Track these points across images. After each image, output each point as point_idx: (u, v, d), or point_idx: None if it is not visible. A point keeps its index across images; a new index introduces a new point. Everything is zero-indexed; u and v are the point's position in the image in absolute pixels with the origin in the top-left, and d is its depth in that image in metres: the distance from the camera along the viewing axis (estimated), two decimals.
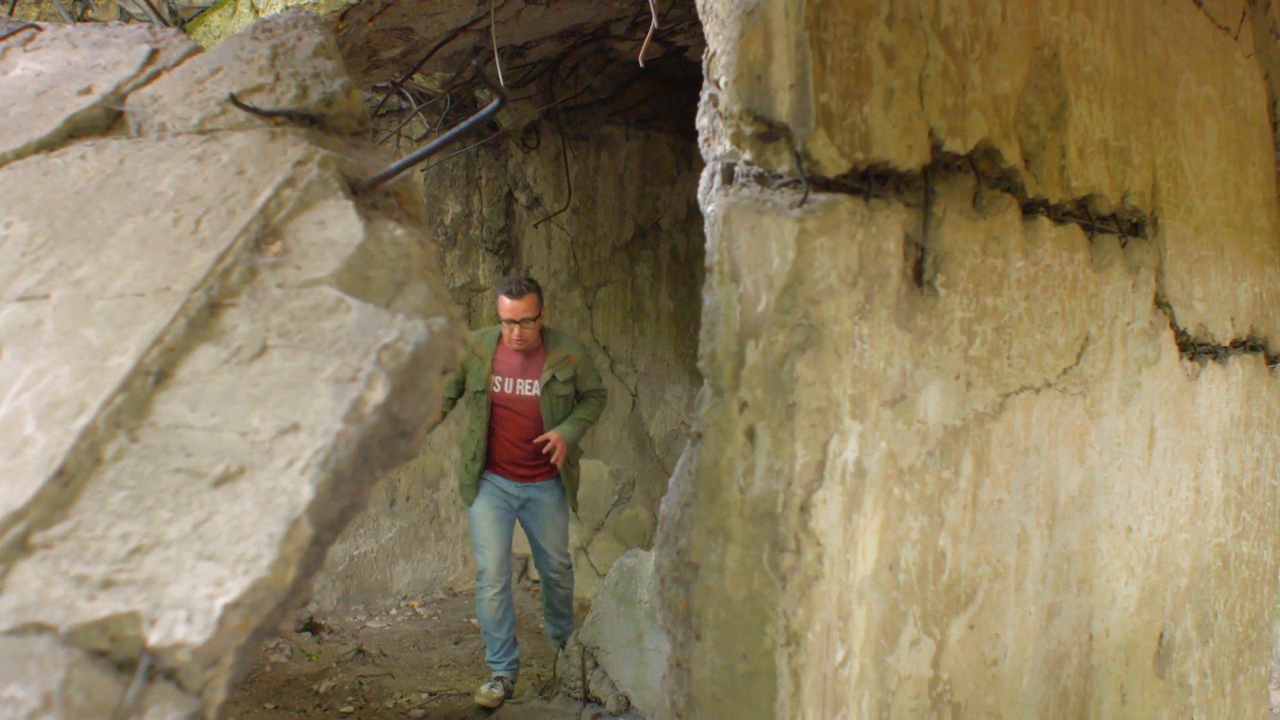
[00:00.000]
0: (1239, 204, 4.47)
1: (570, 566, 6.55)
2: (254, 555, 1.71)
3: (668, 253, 9.05)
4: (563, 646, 6.20)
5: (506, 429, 6.25)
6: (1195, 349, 4.12)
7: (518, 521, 6.46)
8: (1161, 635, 4.03)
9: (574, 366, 6.26)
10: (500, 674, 6.26)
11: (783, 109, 2.52)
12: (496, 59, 2.85)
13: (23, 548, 1.76)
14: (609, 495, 8.68)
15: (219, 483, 1.83)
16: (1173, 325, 3.95)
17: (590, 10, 6.35)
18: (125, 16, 7.25)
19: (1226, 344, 4.33)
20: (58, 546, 1.77)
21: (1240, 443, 4.50)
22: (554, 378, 6.20)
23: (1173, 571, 4.07)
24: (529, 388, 6.21)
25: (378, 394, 1.90)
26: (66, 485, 1.84)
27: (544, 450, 6.14)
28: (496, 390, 6.20)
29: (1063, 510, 3.39)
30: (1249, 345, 4.52)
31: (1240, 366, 4.44)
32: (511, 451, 6.27)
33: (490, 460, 6.28)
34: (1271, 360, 4.73)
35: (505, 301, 6.00)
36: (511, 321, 6.02)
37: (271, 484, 1.80)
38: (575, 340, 6.45)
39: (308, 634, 6.90)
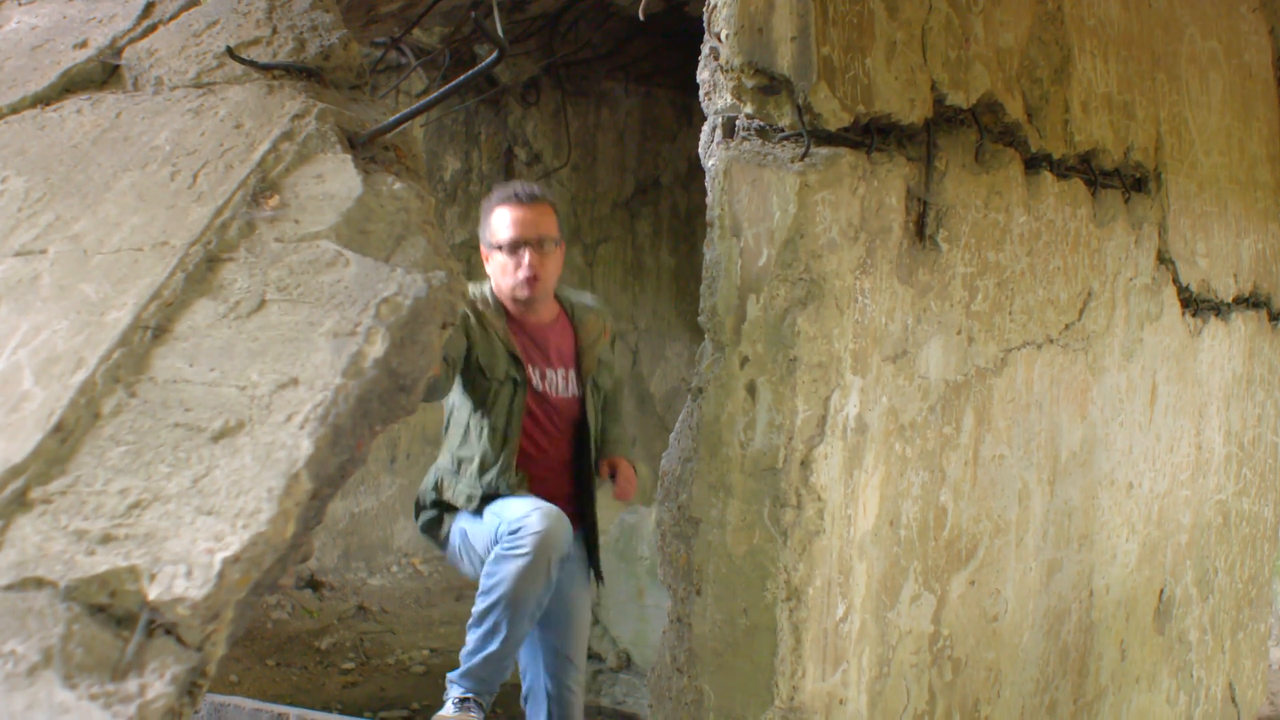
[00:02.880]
0: (1243, 159, 4.45)
1: (583, 672, 4.08)
2: (253, 510, 1.71)
3: (668, 209, 9.02)
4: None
5: (534, 447, 3.84)
6: (1198, 305, 4.11)
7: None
8: (1161, 591, 4.04)
9: (608, 342, 4.04)
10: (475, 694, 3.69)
11: (784, 62, 2.50)
12: (495, 13, 2.83)
13: (21, 503, 1.76)
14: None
15: (218, 438, 1.82)
16: (1175, 281, 3.94)
17: None
18: None
19: (1229, 300, 4.32)
20: (56, 501, 1.76)
21: (1242, 399, 4.50)
22: (600, 361, 3.94)
23: (1173, 528, 4.07)
24: (565, 385, 3.87)
25: (377, 348, 1.89)
26: (65, 440, 1.84)
27: (613, 478, 3.96)
28: (537, 387, 3.81)
29: (1064, 466, 3.39)
30: (1251, 302, 4.52)
31: (1242, 323, 4.43)
32: (543, 485, 3.81)
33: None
34: (1274, 317, 4.73)
35: (509, 213, 3.66)
36: (521, 243, 3.62)
37: (270, 439, 1.80)
38: (600, 302, 4.19)
39: (309, 591, 6.92)
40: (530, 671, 3.95)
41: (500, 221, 3.68)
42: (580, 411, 3.86)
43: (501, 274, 3.72)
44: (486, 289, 3.83)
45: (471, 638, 3.59)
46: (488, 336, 3.70)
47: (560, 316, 3.92)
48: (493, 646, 3.57)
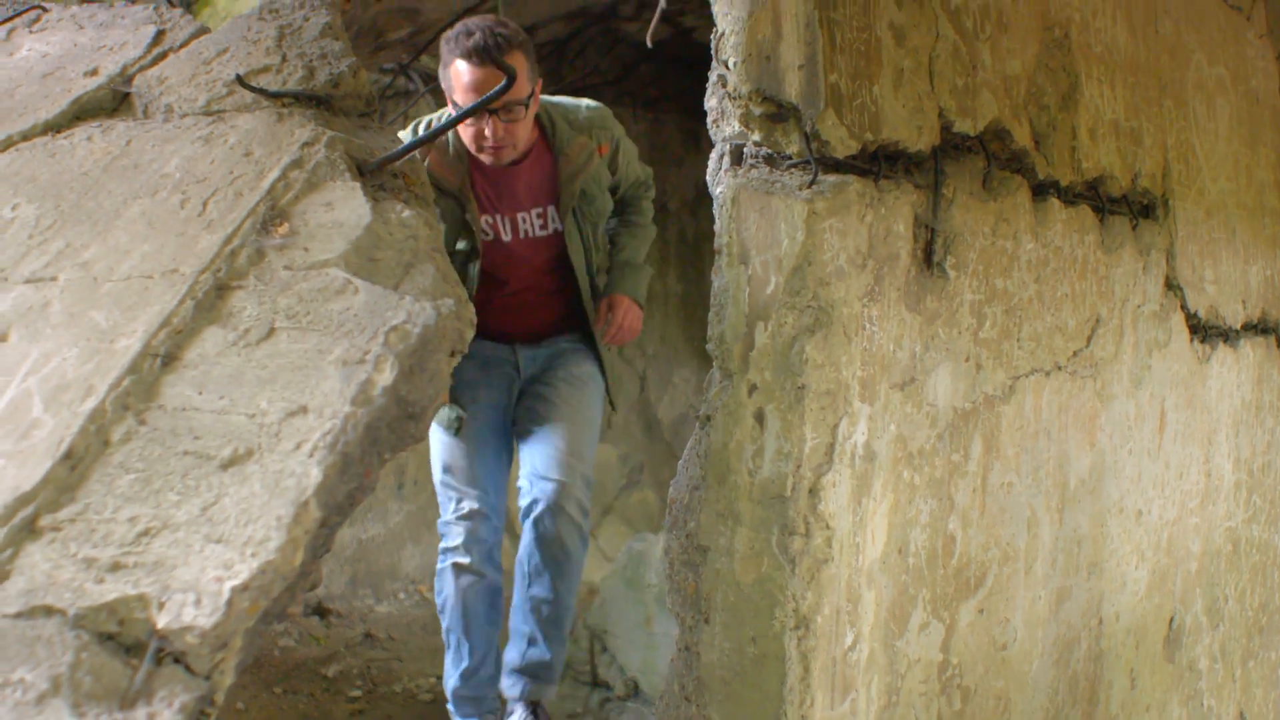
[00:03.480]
0: (1250, 186, 4.45)
1: (586, 514, 3.51)
2: (262, 538, 1.71)
3: (676, 235, 9.02)
4: (533, 712, 3.60)
5: (507, 284, 3.54)
6: (1206, 332, 4.10)
7: (515, 426, 3.66)
8: (1171, 620, 4.03)
9: (606, 158, 3.53)
10: (477, 716, 3.60)
11: (792, 89, 2.50)
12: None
13: (31, 530, 1.76)
14: (617, 479, 8.67)
15: (227, 465, 1.82)
16: (1183, 308, 3.93)
17: None
18: None
19: (1237, 327, 4.32)
20: (66, 529, 1.77)
21: (1251, 426, 4.49)
22: (584, 193, 3.48)
23: (1183, 555, 4.06)
24: (542, 224, 3.48)
25: (385, 376, 1.89)
26: (74, 468, 1.84)
27: (605, 323, 3.56)
28: (488, 239, 3.45)
29: (1073, 494, 3.38)
30: (1260, 328, 4.51)
31: (1251, 350, 4.42)
32: (516, 315, 3.59)
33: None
34: None
35: (465, 71, 3.13)
36: (482, 109, 3.09)
37: (279, 466, 1.80)
38: (596, 112, 3.57)
39: (316, 618, 6.91)
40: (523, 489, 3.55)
41: (457, 80, 3.15)
42: (562, 249, 3.51)
43: (464, 134, 3.28)
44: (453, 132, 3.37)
45: (446, 662, 3.59)
46: (439, 193, 3.27)
47: (538, 145, 3.44)
48: (464, 662, 3.52)
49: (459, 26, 3.18)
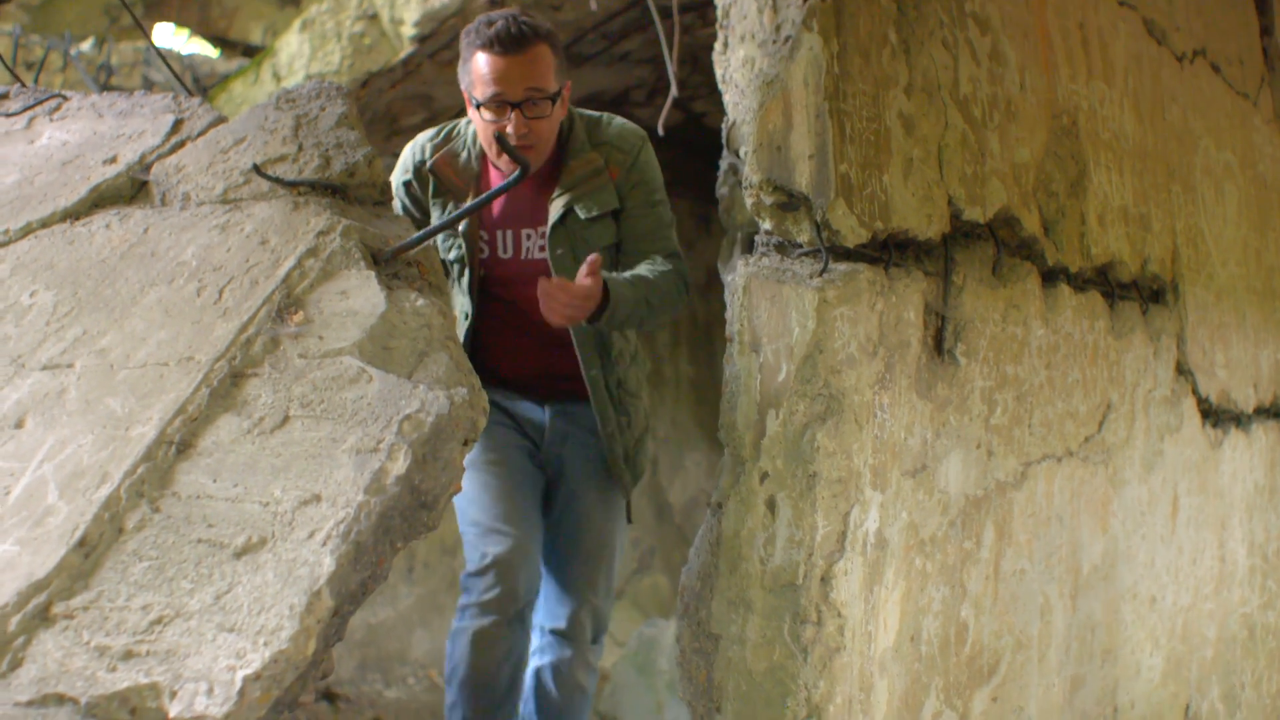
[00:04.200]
0: (1260, 270, 4.47)
1: (595, 671, 3.28)
2: (275, 627, 1.71)
3: (687, 318, 9.05)
4: None
5: (505, 315, 3.16)
6: (1218, 416, 4.10)
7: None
8: (1187, 707, 3.99)
9: (615, 183, 3.04)
10: None
11: (802, 179, 2.53)
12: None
13: (44, 618, 1.77)
14: (628, 563, 8.63)
15: (240, 554, 1.83)
16: (1195, 392, 3.93)
17: (611, 77, 6.41)
18: (149, 84, 7.34)
19: (1249, 411, 4.31)
20: (79, 617, 1.77)
21: (1265, 511, 4.47)
22: (570, 211, 3.02)
23: (1198, 642, 4.03)
24: (541, 247, 3.07)
25: (399, 465, 1.90)
26: (88, 555, 1.85)
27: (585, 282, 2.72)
28: (485, 256, 3.10)
29: (1086, 580, 3.36)
30: (1272, 413, 4.50)
31: (1264, 434, 4.41)
32: (528, 356, 3.19)
33: (487, 372, 2.84)
34: None
35: (485, 63, 2.87)
36: (502, 101, 2.86)
37: (293, 555, 1.80)
38: (623, 130, 3.11)
39: (325, 703, 6.86)
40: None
41: (478, 74, 2.88)
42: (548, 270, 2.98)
43: (483, 134, 2.97)
44: (470, 134, 3.11)
45: None
46: (441, 190, 3.07)
47: (554, 156, 3.06)
48: None
49: (479, 19, 2.90)
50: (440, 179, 3.06)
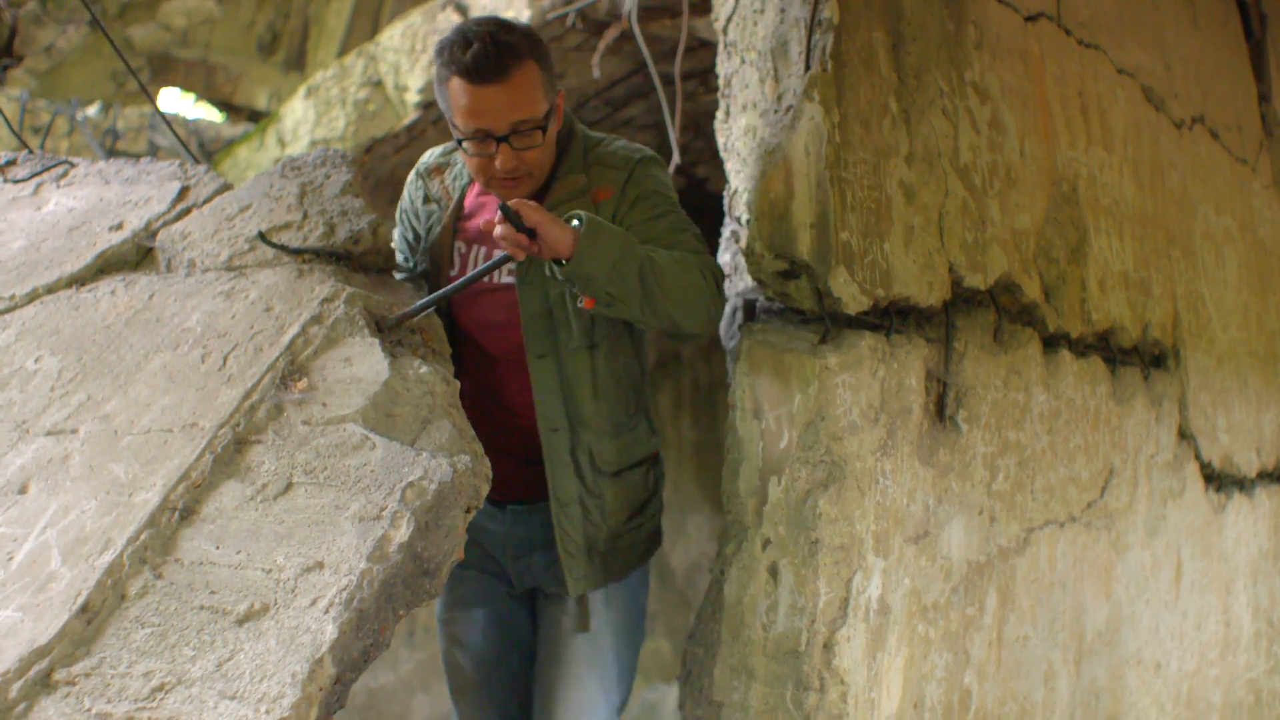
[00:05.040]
0: (1261, 334, 4.48)
1: None
2: (276, 695, 1.70)
3: (689, 383, 9.06)
4: None
5: (494, 373, 2.79)
6: (1221, 481, 4.10)
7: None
8: None
9: (606, 205, 2.61)
10: None
11: (804, 247, 2.55)
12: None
13: (46, 684, 1.76)
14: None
15: (243, 621, 1.83)
16: (1197, 457, 3.93)
17: None
18: (154, 148, 7.40)
19: (1252, 475, 4.31)
20: (80, 684, 1.77)
21: (1270, 575, 4.46)
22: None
23: (1204, 708, 4.00)
24: (508, 268, 2.68)
25: (402, 532, 1.90)
26: (90, 622, 1.85)
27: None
28: (454, 272, 2.74)
29: (1089, 646, 3.35)
30: (1276, 476, 4.50)
31: (1267, 498, 4.41)
32: (486, 407, 2.78)
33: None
34: None
35: (462, 92, 2.45)
36: (485, 135, 2.48)
37: (295, 622, 1.80)
38: (622, 151, 2.70)
39: None
40: None
41: (457, 101, 2.47)
42: (537, 313, 2.65)
43: (469, 165, 2.59)
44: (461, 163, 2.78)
45: None
46: (430, 232, 2.78)
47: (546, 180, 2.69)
48: None
49: (454, 33, 2.48)
50: (428, 187, 2.84)
